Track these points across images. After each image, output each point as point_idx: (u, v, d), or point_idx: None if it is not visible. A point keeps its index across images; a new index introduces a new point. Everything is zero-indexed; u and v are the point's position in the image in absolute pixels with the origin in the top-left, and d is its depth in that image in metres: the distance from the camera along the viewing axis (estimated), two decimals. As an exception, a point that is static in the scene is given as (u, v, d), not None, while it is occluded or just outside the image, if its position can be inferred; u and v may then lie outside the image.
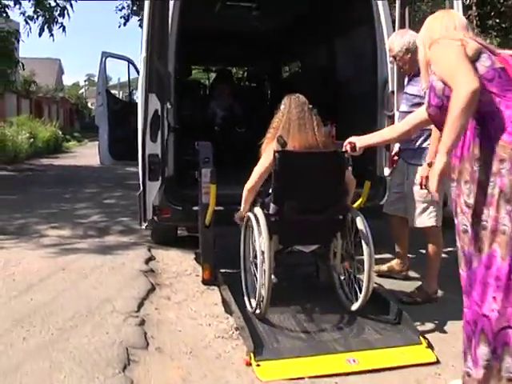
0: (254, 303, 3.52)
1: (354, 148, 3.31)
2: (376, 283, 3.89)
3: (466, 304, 2.43)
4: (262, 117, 7.15)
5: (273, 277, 3.27)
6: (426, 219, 3.90)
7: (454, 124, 2.16)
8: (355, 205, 3.79)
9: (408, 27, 4.60)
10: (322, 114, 3.58)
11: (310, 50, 7.13)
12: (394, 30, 4.72)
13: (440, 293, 4.01)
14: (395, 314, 3.45)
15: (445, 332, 3.44)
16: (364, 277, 3.36)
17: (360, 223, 3.43)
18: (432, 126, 3.67)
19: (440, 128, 2.50)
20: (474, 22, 6.28)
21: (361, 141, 3.31)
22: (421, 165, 3.75)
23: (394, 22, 4.77)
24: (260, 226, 3.35)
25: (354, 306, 3.50)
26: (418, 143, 3.89)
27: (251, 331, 3.16)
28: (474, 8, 6.23)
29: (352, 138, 3.34)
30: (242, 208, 3.72)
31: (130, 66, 7.26)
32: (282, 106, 3.56)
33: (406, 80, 4.10)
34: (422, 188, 3.66)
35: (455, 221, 2.45)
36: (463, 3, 5.56)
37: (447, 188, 3.91)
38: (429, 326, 3.50)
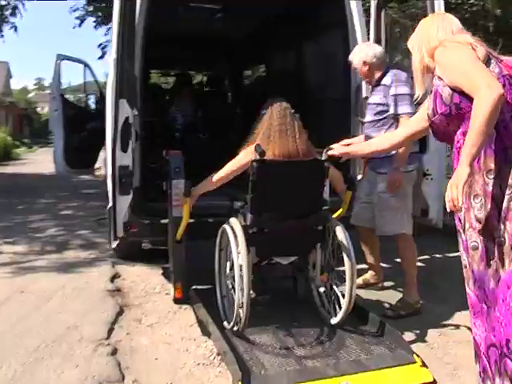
0: (231, 321, 3.32)
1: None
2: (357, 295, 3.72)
3: (479, 326, 2.26)
4: (224, 123, 7.04)
5: (251, 291, 3.10)
6: (397, 226, 3.82)
7: (478, 132, 1.98)
8: (335, 215, 3.64)
9: (383, 30, 4.52)
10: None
11: (277, 54, 6.95)
12: (368, 34, 4.64)
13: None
14: (378, 328, 3.32)
15: (432, 346, 3.32)
16: (346, 289, 3.22)
17: (340, 233, 3.29)
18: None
19: (441, 138, 2.35)
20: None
21: (349, 148, 3.21)
22: None
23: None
24: (237, 238, 3.17)
25: (334, 320, 3.37)
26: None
27: (235, 356, 2.94)
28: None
29: (339, 146, 3.22)
30: (194, 191, 3.54)
31: (86, 69, 6.94)
32: (264, 111, 3.39)
33: (370, 91, 4.10)
34: (391, 192, 3.70)
35: (461, 237, 2.28)
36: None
37: (423, 198, 3.97)
38: (412, 338, 3.39)
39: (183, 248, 3.85)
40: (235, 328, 3.20)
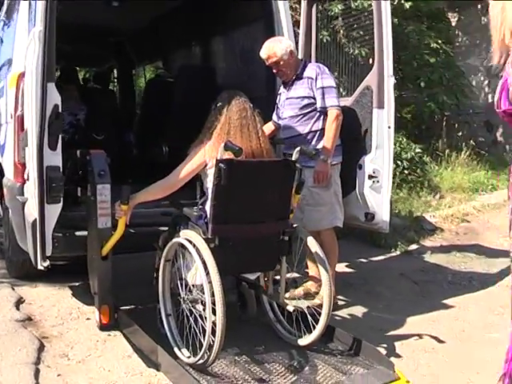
0: (185, 352, 2.89)
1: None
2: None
3: None
4: (117, 122, 6.46)
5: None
6: (334, 219, 3.79)
7: None
8: None
9: (315, 26, 4.32)
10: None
11: (183, 49, 6.46)
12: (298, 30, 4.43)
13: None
14: (350, 344, 3.07)
15: (401, 358, 3.16)
16: (323, 307, 2.93)
17: (312, 244, 3.01)
18: (319, 126, 3.68)
19: None
20: (341, 32, 6.25)
21: None
22: None
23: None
24: (201, 254, 2.72)
25: (304, 341, 3.05)
26: (311, 145, 3.71)
27: None
28: (340, 19, 6.19)
29: None
30: (135, 198, 3.06)
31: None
32: (220, 103, 3.00)
33: (282, 86, 3.96)
34: (318, 183, 3.64)
35: None
36: (328, 15, 5.46)
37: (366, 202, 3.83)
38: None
39: (110, 265, 3.31)
40: (200, 361, 2.75)
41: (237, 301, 3.51)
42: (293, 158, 3.04)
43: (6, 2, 5.44)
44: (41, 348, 3.20)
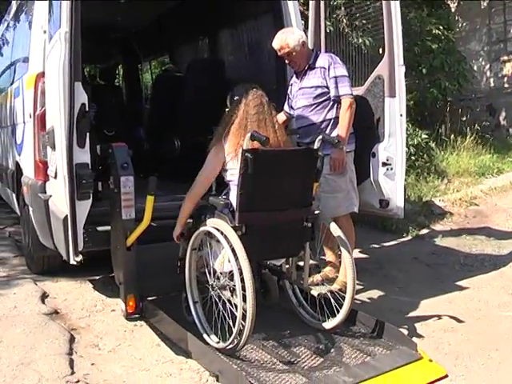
0: (214, 338, 2.99)
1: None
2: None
3: None
4: (126, 117, 6.51)
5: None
6: (350, 205, 3.85)
7: None
8: None
9: (323, 20, 4.38)
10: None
11: (191, 44, 6.51)
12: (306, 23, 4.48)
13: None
14: (373, 326, 3.17)
15: (422, 338, 3.25)
16: (347, 291, 3.02)
17: (335, 230, 3.11)
18: (332, 115, 3.73)
19: None
20: (344, 21, 6.29)
21: None
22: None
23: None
24: (230, 241, 2.81)
25: (328, 325, 3.14)
26: (326, 133, 3.73)
27: (236, 376, 2.62)
28: (343, 8, 6.22)
29: None
30: (179, 222, 3.18)
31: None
32: (237, 97, 3.09)
33: (295, 76, 4.00)
34: (334, 170, 3.69)
35: None
36: (331, 5, 5.50)
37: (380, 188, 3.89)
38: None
39: (134, 256, 3.38)
40: (230, 346, 2.85)
41: (259, 287, 3.61)
42: (315, 147, 3.12)
43: (14, 3, 5.49)
44: (71, 339, 3.30)
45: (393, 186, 3.85)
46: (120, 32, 7.27)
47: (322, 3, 4.36)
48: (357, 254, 4.79)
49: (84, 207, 3.14)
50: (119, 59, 8.01)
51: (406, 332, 3.28)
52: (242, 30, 5.26)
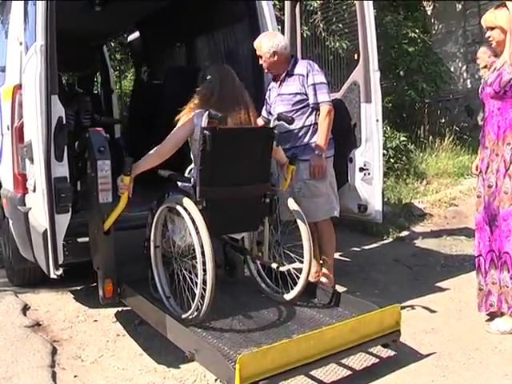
0: (180, 311, 3.06)
1: None
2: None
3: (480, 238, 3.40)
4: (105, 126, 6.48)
5: None
6: (330, 210, 3.90)
7: None
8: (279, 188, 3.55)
9: (299, 25, 4.42)
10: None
11: (168, 51, 6.51)
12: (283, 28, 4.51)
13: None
14: (331, 297, 3.34)
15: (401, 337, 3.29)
16: (304, 260, 3.17)
17: (292, 204, 3.26)
18: (311, 121, 3.79)
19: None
20: (321, 26, 6.35)
21: None
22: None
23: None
24: (192, 215, 2.90)
25: (289, 296, 3.29)
26: (305, 140, 3.87)
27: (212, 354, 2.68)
28: (319, 13, 6.28)
29: None
30: (137, 166, 3.15)
31: None
32: (209, 76, 3.19)
33: (273, 81, 4.04)
34: (314, 177, 3.76)
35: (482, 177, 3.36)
36: (307, 10, 5.55)
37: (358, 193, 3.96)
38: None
39: (112, 240, 3.31)
40: (194, 314, 2.92)
41: (225, 264, 3.72)
42: (271, 125, 3.26)
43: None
44: (54, 351, 3.29)
45: (370, 191, 3.90)
46: (97, 40, 7.24)
47: (298, 8, 4.39)
48: (337, 257, 4.83)
49: (63, 221, 3.11)
50: (97, 67, 7.97)
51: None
52: (218, 35, 5.28)
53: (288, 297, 3.30)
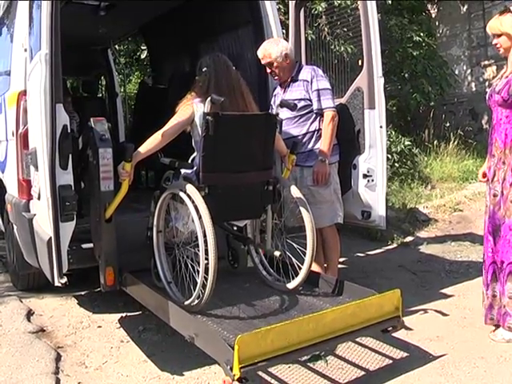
0: (182, 299, 3.04)
1: None
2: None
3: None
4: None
5: None
6: (334, 216, 3.89)
7: None
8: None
9: (303, 30, 4.41)
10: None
11: (173, 56, 6.51)
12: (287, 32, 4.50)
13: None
14: (334, 287, 3.32)
15: (406, 345, 3.28)
16: (308, 248, 3.15)
17: (295, 191, 3.23)
18: (315, 127, 3.80)
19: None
20: (326, 30, 6.35)
21: None
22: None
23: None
24: (195, 202, 2.89)
25: (292, 285, 3.28)
26: (309, 146, 3.87)
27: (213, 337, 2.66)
28: (324, 17, 6.28)
29: None
30: (141, 149, 3.15)
31: None
32: (205, 68, 3.20)
33: (278, 87, 4.05)
34: (317, 183, 3.76)
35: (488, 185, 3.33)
36: (312, 14, 5.55)
37: (362, 200, 3.96)
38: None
39: (114, 228, 3.31)
40: (195, 302, 2.91)
41: (228, 255, 3.73)
42: (274, 112, 3.28)
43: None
44: (58, 358, 3.29)
45: (374, 198, 3.88)
46: (101, 44, 7.25)
47: (303, 12, 4.39)
48: (342, 262, 4.83)
49: (68, 229, 3.11)
50: (101, 71, 7.98)
51: (391, 341, 3.30)
52: (223, 41, 5.27)
53: (290, 286, 3.29)
